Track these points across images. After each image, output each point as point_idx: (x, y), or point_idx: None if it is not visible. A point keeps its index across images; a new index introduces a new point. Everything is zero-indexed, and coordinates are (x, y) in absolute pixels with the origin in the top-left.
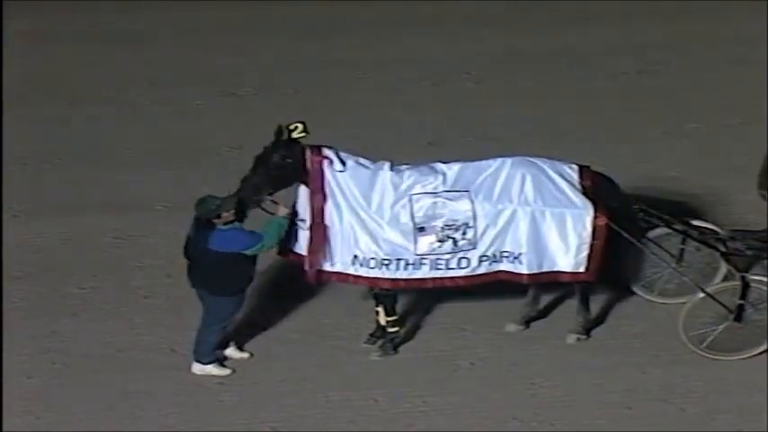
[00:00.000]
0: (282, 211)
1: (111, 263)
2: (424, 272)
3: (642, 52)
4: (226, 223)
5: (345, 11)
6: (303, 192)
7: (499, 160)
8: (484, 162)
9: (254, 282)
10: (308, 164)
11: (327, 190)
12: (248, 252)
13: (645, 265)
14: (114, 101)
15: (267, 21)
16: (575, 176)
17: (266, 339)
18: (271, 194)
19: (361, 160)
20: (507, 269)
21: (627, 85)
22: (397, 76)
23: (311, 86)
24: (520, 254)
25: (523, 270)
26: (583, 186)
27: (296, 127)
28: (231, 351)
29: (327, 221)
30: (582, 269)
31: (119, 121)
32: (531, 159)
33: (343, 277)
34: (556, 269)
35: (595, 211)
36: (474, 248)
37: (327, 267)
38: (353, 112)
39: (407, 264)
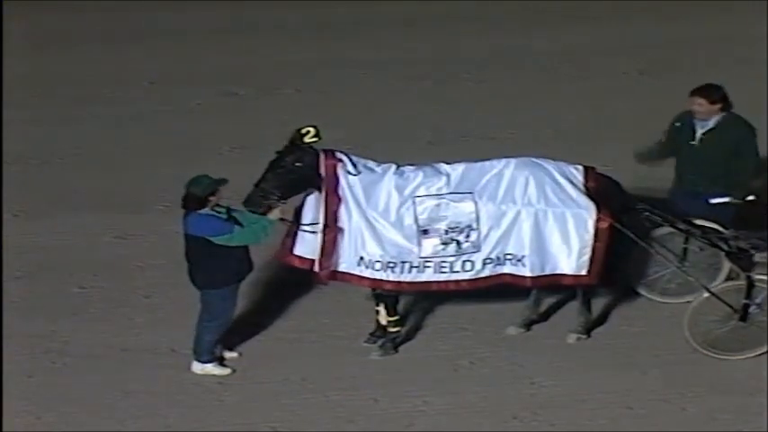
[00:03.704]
0: (275, 213)
1: (111, 263)
2: (428, 275)
3: (642, 52)
4: (213, 207)
5: (345, 11)
6: (312, 197)
7: (503, 161)
8: (488, 163)
9: (253, 280)
10: (322, 168)
11: (341, 193)
12: (215, 241)
13: (649, 264)
14: (114, 101)
15: (267, 21)
16: (579, 177)
17: (266, 339)
18: (280, 199)
19: (370, 164)
20: (511, 272)
21: (627, 85)
22: (397, 76)
23: (311, 86)
24: (523, 256)
25: (526, 273)
26: (587, 188)
27: (307, 131)
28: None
29: (341, 224)
30: (584, 272)
31: (119, 121)
32: (536, 160)
33: (347, 277)
34: (558, 272)
35: (598, 213)
36: (478, 251)
37: (332, 267)
38: (353, 112)
39: (412, 266)
